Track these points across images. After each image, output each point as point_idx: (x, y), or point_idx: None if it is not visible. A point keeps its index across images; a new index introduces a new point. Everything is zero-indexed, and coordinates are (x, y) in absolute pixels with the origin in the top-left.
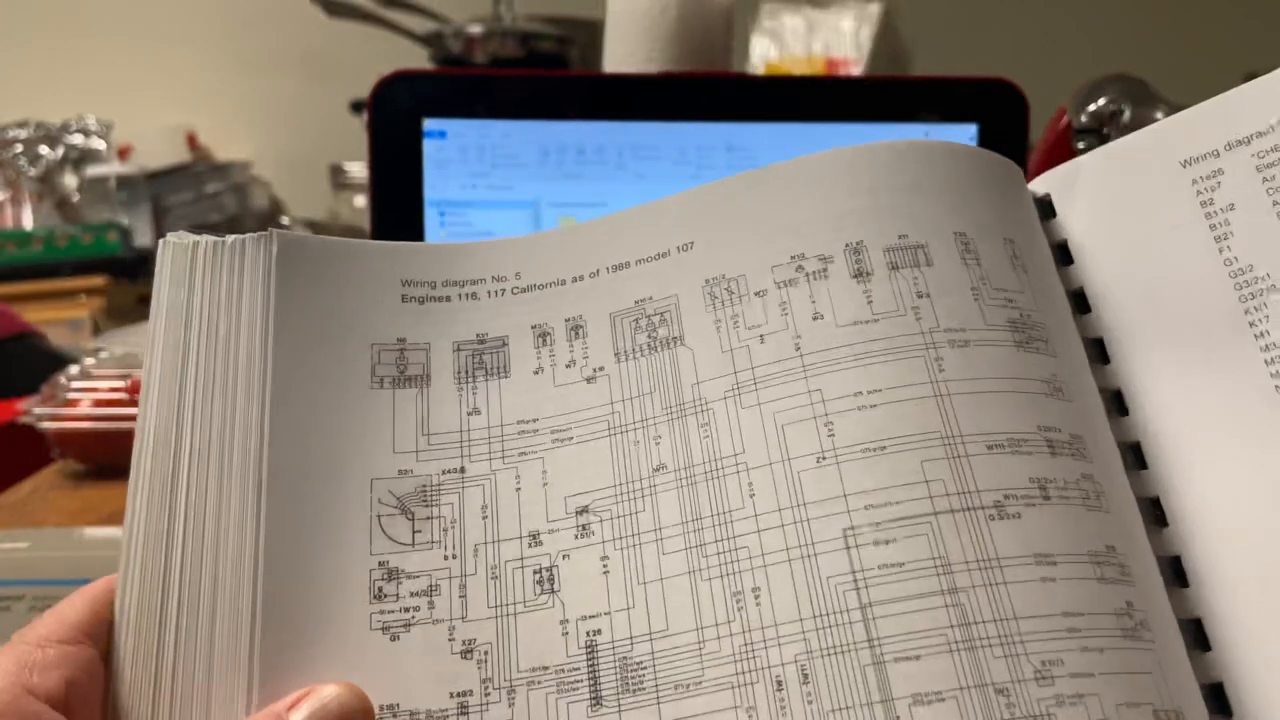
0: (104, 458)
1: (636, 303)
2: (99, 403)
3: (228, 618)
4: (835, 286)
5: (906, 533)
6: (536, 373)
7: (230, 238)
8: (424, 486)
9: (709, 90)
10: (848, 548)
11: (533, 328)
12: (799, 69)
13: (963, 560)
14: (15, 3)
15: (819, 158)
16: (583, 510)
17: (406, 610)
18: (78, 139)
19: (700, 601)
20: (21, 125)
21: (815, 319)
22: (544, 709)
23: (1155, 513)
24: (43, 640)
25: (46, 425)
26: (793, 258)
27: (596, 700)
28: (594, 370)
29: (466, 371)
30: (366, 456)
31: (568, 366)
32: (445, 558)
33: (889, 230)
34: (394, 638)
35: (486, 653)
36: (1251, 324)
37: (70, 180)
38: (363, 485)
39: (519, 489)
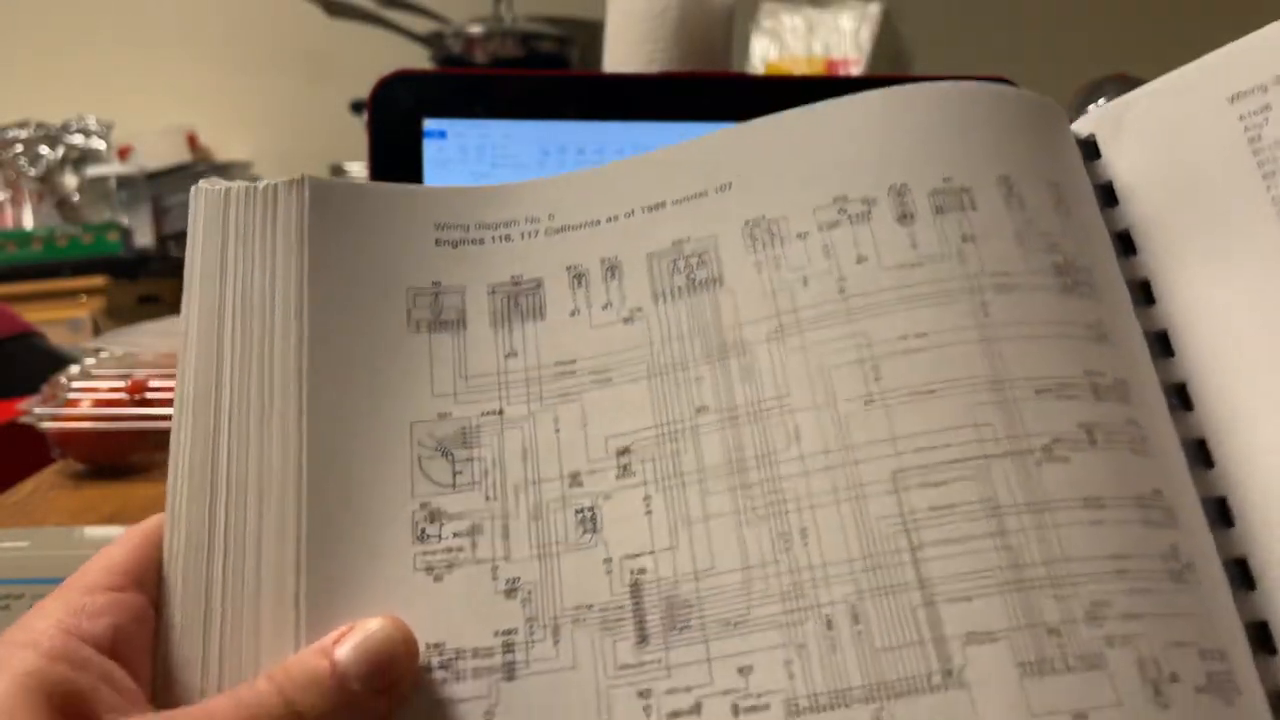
0: (104, 458)
1: (674, 243)
2: (99, 403)
3: (273, 562)
4: (879, 229)
5: (956, 475)
6: (573, 314)
7: (262, 183)
8: (463, 428)
9: (709, 90)
10: (896, 490)
11: (568, 269)
12: (799, 69)
13: (1012, 503)
14: (15, 3)
15: (861, 98)
16: (623, 451)
17: (449, 551)
18: (78, 139)
19: (746, 541)
20: (21, 125)
21: (859, 261)
22: (589, 646)
23: (1201, 454)
24: (91, 587)
25: (46, 425)
26: (835, 199)
27: (643, 638)
28: (631, 311)
29: (502, 314)
30: (405, 400)
31: (604, 308)
32: (486, 499)
33: (933, 173)
34: (437, 578)
35: (530, 592)
36: None
37: (70, 180)
38: (402, 428)
39: (558, 430)
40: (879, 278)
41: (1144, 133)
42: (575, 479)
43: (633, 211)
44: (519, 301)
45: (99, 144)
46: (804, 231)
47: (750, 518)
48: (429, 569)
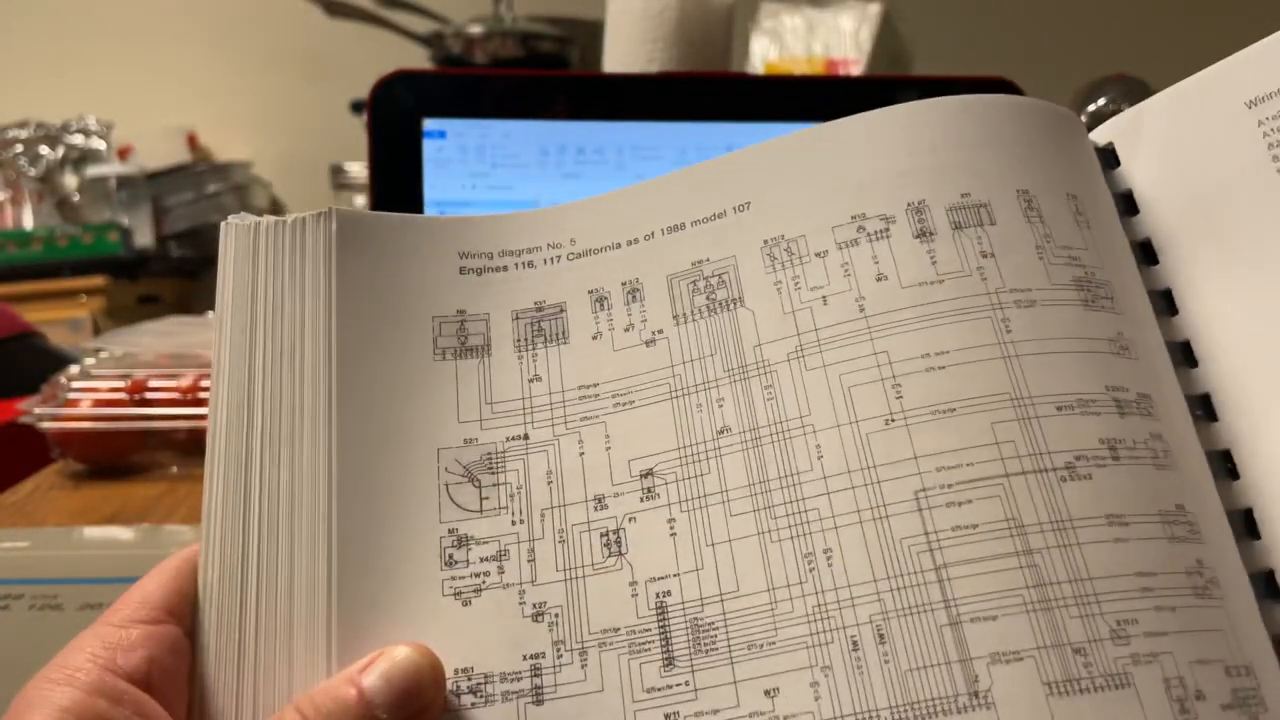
0: (104, 458)
1: (693, 264)
2: (99, 403)
3: (305, 590)
4: (898, 247)
5: (979, 494)
6: (595, 338)
7: (290, 217)
8: (489, 454)
9: (709, 90)
10: (920, 509)
11: (589, 293)
12: (799, 69)
13: (1036, 522)
14: (15, 3)
15: (878, 115)
16: (647, 473)
17: (477, 576)
18: (78, 139)
19: (771, 563)
20: (21, 125)
21: (879, 280)
22: (616, 669)
23: (1226, 465)
24: (126, 621)
25: (46, 425)
26: (853, 217)
27: (669, 661)
28: (653, 333)
29: (526, 339)
30: (432, 427)
31: (626, 330)
32: (513, 523)
33: (951, 189)
34: (466, 603)
35: (557, 615)
36: None
37: (70, 180)
38: (429, 455)
39: (583, 454)
40: (898, 296)
41: (1162, 140)
42: (600, 502)
43: (652, 234)
44: (542, 326)
45: (99, 144)
46: (823, 250)
47: (774, 539)
48: (457, 594)
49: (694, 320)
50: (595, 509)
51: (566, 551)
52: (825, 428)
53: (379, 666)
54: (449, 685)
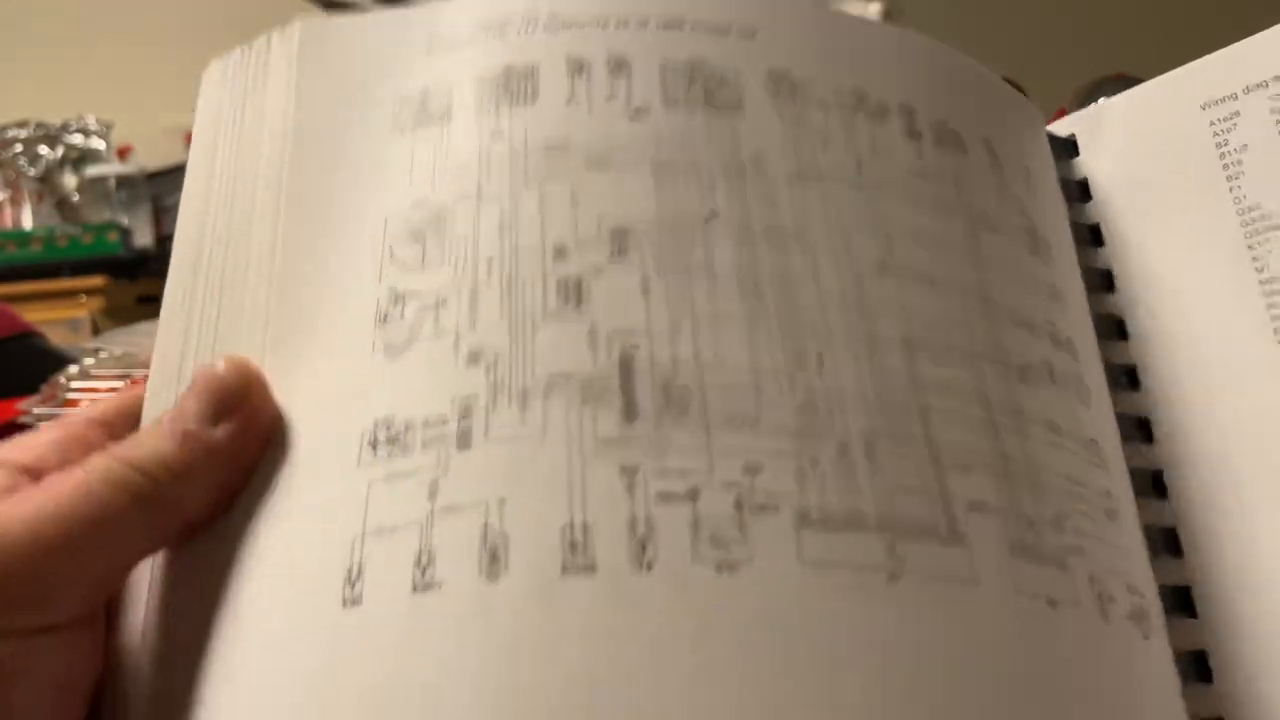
0: None
1: (691, 62)
2: None
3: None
4: (891, 134)
5: (955, 361)
6: (569, 101)
7: (260, 37)
8: (438, 213)
9: None
10: (907, 351)
11: (568, 58)
12: None
13: (999, 401)
14: (15, 3)
15: (886, 27)
16: (620, 231)
17: (411, 329)
18: (78, 139)
19: (758, 345)
20: (21, 125)
21: (874, 151)
22: (564, 416)
23: (1142, 432)
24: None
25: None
26: (854, 90)
27: (631, 413)
28: (637, 110)
29: (489, 101)
30: (383, 196)
31: (607, 100)
32: (456, 271)
33: (936, 110)
34: (393, 355)
35: (497, 357)
36: (1254, 258)
37: (70, 180)
38: (378, 223)
39: (543, 207)
40: (891, 169)
41: (1120, 134)
42: (560, 252)
43: (647, 21)
44: (510, 86)
45: (99, 144)
46: (826, 102)
47: (763, 325)
48: (387, 347)
49: (688, 109)
50: (553, 258)
51: (515, 298)
52: (822, 250)
53: (186, 389)
54: (365, 437)
